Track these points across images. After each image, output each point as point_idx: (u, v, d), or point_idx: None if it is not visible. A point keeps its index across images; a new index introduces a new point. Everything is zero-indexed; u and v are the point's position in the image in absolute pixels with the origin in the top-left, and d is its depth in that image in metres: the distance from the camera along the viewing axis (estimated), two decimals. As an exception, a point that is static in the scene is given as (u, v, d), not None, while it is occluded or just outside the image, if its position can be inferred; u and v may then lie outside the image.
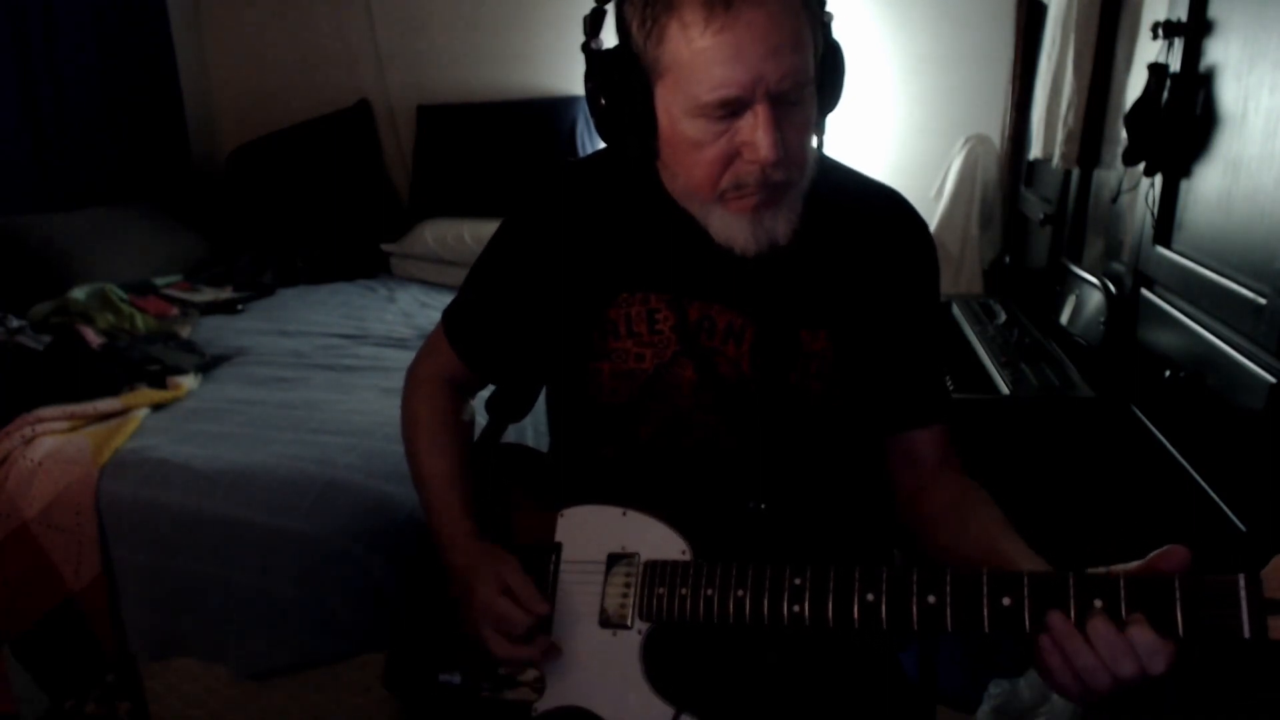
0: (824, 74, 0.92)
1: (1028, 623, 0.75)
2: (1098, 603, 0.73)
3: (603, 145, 1.04)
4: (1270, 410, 1.19)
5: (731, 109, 0.87)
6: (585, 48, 0.95)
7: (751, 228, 0.94)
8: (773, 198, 0.92)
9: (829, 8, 0.93)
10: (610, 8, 0.93)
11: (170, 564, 1.72)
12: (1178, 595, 0.71)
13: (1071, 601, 0.74)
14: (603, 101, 0.94)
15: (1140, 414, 1.60)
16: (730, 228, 0.94)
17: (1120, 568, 0.76)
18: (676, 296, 1.01)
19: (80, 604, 1.77)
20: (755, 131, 0.86)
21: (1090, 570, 0.76)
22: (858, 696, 1.04)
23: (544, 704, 0.96)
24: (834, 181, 1.03)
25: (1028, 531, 0.95)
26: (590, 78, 0.94)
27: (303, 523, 1.66)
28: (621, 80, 0.91)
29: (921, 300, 1.07)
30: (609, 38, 0.95)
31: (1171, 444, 1.47)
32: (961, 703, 1.77)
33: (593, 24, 0.94)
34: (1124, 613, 0.72)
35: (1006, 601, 0.76)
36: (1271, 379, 1.20)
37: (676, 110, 0.90)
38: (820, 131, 0.98)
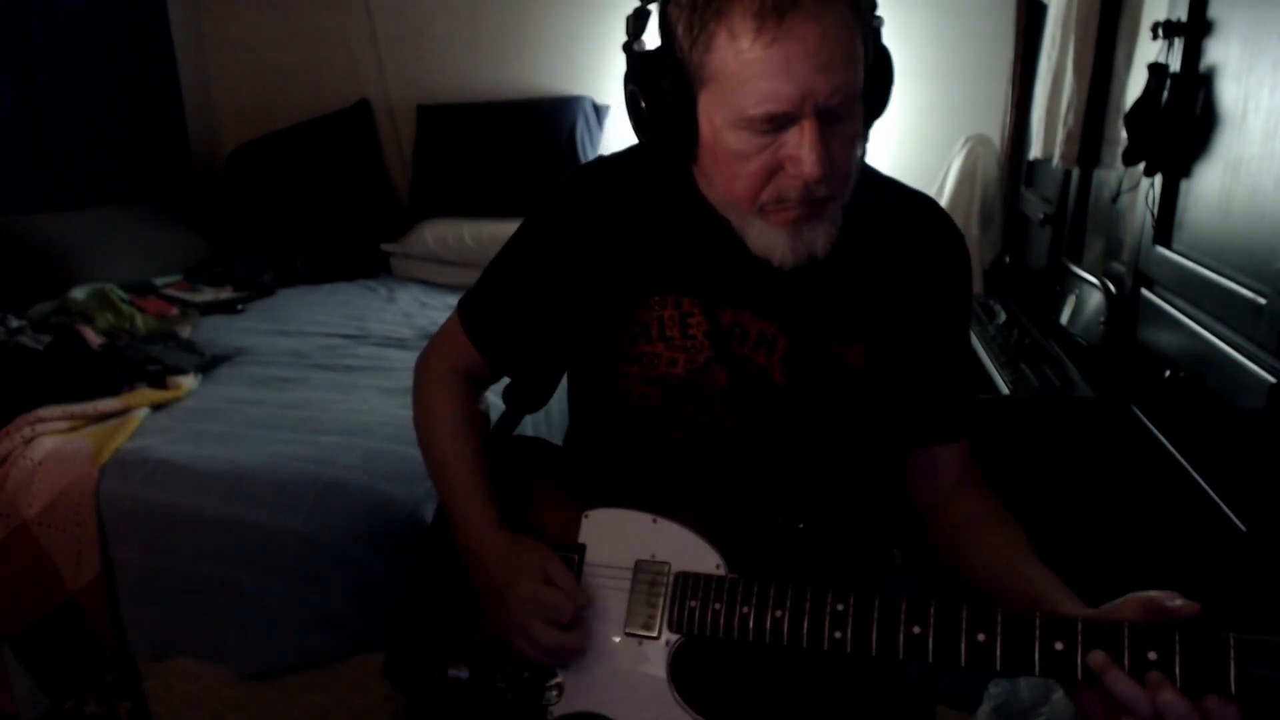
0: (872, 83, 0.89)
1: (1079, 669, 0.74)
2: (1152, 655, 0.73)
3: (606, 145, 1.04)
4: (1270, 410, 1.19)
5: (778, 123, 0.84)
6: (627, 48, 0.92)
7: (790, 241, 0.91)
8: (814, 211, 0.90)
9: (879, 13, 0.90)
10: (654, 8, 0.91)
11: (170, 564, 1.72)
12: (1232, 653, 0.70)
13: (1126, 650, 0.73)
14: (643, 104, 0.91)
15: (1140, 414, 1.60)
16: (769, 239, 0.92)
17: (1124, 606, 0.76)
18: (709, 301, 0.99)
19: (80, 604, 1.76)
20: (801, 148, 0.84)
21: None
22: (858, 696, 1.04)
23: (561, 708, 0.95)
24: (872, 190, 1.01)
25: (1026, 532, 0.95)
26: (631, 79, 0.92)
27: (303, 523, 1.65)
28: (663, 84, 0.89)
29: (954, 315, 1.05)
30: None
31: (1171, 444, 1.47)
32: (961, 703, 1.77)
33: (636, 24, 0.92)
34: (1177, 666, 0.72)
35: (1059, 646, 0.75)
36: (1271, 379, 1.20)
37: (720, 120, 0.87)
38: (864, 140, 0.94)
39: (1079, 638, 0.75)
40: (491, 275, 1.11)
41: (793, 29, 0.80)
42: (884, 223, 1.01)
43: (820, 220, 0.91)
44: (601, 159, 1.09)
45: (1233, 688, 0.70)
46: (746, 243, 0.94)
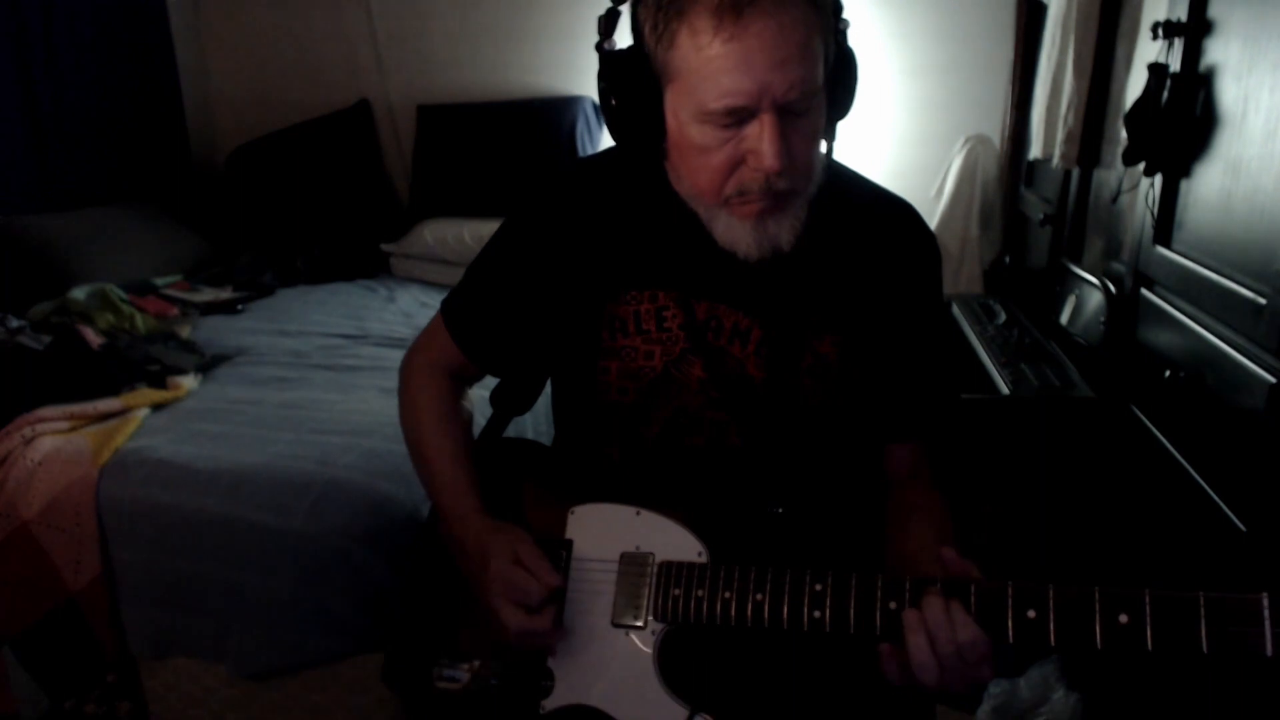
0: (835, 82, 0.93)
1: (1053, 636, 0.76)
2: (1123, 618, 0.74)
3: (606, 145, 1.05)
4: (1270, 410, 1.19)
5: (738, 117, 0.87)
6: (599, 48, 0.95)
7: (754, 233, 0.94)
8: (776, 205, 0.93)
9: (845, 15, 0.93)
10: (625, 9, 0.94)
11: (170, 564, 1.72)
12: (1202, 612, 0.71)
13: (1098, 615, 0.74)
14: (613, 101, 0.94)
15: (1140, 414, 1.60)
16: (733, 232, 0.95)
17: None
18: (684, 294, 1.01)
19: (80, 604, 1.76)
20: (760, 141, 0.87)
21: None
22: (858, 696, 1.04)
23: (552, 702, 0.96)
24: (843, 187, 1.04)
25: (1027, 531, 0.96)
26: (602, 78, 0.95)
27: (303, 523, 1.66)
28: (632, 82, 0.92)
29: (922, 315, 1.07)
30: (611, 40, 0.96)
31: (1171, 444, 1.47)
32: (961, 702, 1.77)
33: (607, 24, 0.95)
34: (1149, 628, 0.72)
35: (1031, 614, 0.77)
36: (1271, 379, 1.20)
37: (684, 115, 0.90)
38: (830, 137, 0.98)
39: (1051, 605, 0.76)
40: (473, 274, 1.13)
41: (750, 26, 0.83)
42: (855, 218, 1.04)
43: (783, 214, 0.94)
44: (580, 160, 1.13)
45: (1204, 645, 0.71)
46: (714, 236, 0.97)
